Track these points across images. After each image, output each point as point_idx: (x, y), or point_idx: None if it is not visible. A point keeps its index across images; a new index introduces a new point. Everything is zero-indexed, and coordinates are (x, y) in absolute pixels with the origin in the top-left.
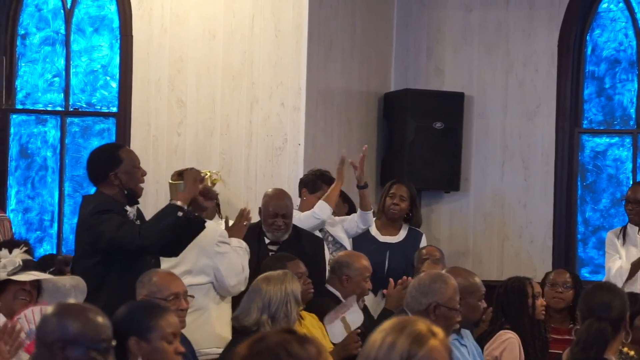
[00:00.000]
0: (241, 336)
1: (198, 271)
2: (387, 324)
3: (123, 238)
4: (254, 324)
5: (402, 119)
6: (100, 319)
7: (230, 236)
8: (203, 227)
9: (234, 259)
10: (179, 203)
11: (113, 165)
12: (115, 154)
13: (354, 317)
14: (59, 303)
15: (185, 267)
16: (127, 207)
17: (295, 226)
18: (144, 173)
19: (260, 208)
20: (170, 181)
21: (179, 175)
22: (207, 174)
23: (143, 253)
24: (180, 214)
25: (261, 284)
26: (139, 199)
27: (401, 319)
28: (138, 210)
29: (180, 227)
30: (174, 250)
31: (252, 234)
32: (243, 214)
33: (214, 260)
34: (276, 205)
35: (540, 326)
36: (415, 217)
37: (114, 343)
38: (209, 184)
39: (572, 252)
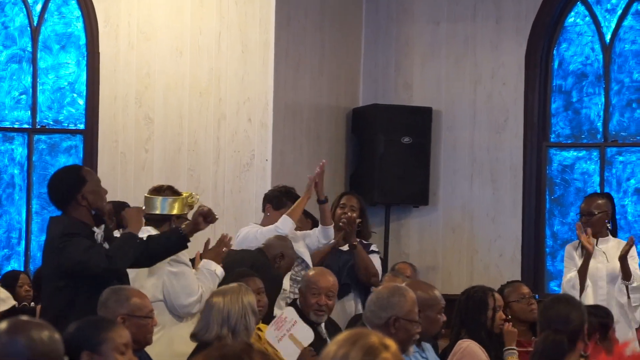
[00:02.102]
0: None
1: (147, 290)
2: (340, 337)
3: (89, 261)
4: (215, 338)
5: (371, 134)
6: (49, 334)
7: (205, 257)
8: (185, 247)
9: (188, 280)
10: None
11: (79, 186)
12: (80, 174)
13: (304, 334)
14: (10, 319)
15: (137, 285)
16: (95, 229)
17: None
18: (106, 191)
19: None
20: (146, 195)
21: (155, 190)
22: (186, 195)
23: (110, 276)
24: (138, 240)
25: (218, 299)
26: (105, 219)
27: (354, 332)
28: (106, 229)
29: (163, 241)
30: (148, 262)
31: None
32: (223, 240)
33: (165, 279)
34: None
35: (497, 339)
36: (364, 229)
37: (66, 359)
38: (187, 205)
39: (541, 265)
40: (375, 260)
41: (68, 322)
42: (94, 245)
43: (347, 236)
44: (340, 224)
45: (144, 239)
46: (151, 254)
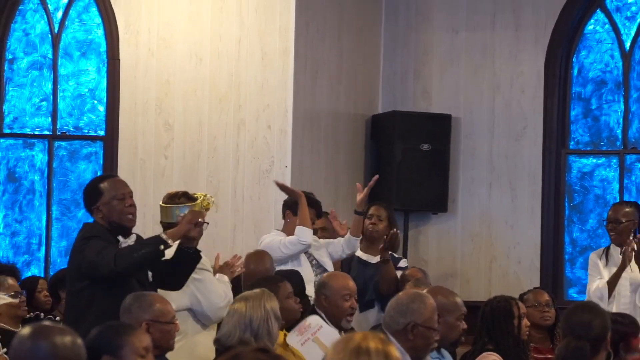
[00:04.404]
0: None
1: (173, 298)
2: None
3: (99, 263)
4: (238, 342)
5: (390, 141)
6: (72, 339)
7: (218, 272)
8: (199, 258)
9: (215, 286)
10: (164, 236)
11: (95, 199)
12: (97, 187)
13: (330, 336)
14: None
15: (162, 292)
16: (120, 238)
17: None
18: (131, 204)
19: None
20: (161, 204)
21: (170, 198)
22: (200, 197)
23: (116, 278)
24: (162, 247)
25: (240, 305)
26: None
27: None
28: (139, 239)
29: (177, 261)
30: (175, 284)
31: None
32: (234, 264)
33: (191, 287)
34: None
35: (524, 346)
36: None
37: None
38: (202, 208)
39: (560, 272)
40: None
41: (87, 323)
42: (107, 247)
43: (390, 248)
44: (385, 237)
45: (160, 265)
46: (172, 280)
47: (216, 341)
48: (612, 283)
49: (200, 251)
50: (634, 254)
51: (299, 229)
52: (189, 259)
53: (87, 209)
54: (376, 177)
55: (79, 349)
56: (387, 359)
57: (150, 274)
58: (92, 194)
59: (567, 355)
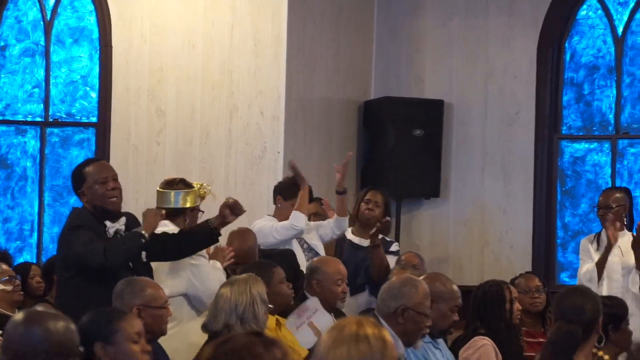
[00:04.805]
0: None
1: (169, 283)
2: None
3: (87, 256)
4: (224, 327)
5: (382, 127)
6: (65, 324)
7: (211, 258)
8: (216, 240)
9: (210, 272)
10: (142, 231)
11: (80, 184)
12: (81, 172)
13: (324, 321)
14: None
15: (157, 278)
16: (108, 223)
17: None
18: (114, 187)
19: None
20: (159, 189)
21: (167, 183)
22: (197, 186)
23: (107, 271)
24: (143, 240)
25: (225, 289)
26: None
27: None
28: (131, 220)
29: (194, 237)
30: (177, 257)
31: None
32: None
33: (187, 272)
34: None
35: (516, 330)
36: (386, 225)
37: (81, 349)
38: (199, 196)
39: (552, 256)
40: (392, 260)
41: (78, 311)
42: (95, 239)
43: (375, 233)
44: (378, 225)
45: (176, 233)
46: (181, 249)
47: (203, 326)
48: (601, 264)
49: (220, 235)
50: (618, 233)
51: (294, 214)
52: (207, 236)
53: (75, 193)
54: (350, 153)
55: (72, 334)
56: (385, 343)
57: (143, 253)
58: (76, 179)
59: (558, 339)
